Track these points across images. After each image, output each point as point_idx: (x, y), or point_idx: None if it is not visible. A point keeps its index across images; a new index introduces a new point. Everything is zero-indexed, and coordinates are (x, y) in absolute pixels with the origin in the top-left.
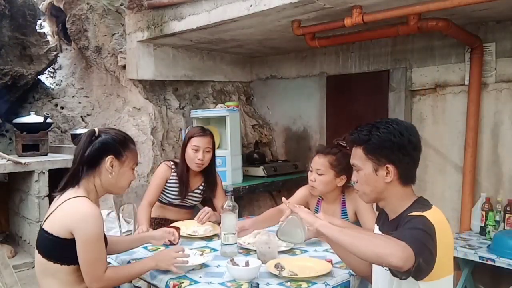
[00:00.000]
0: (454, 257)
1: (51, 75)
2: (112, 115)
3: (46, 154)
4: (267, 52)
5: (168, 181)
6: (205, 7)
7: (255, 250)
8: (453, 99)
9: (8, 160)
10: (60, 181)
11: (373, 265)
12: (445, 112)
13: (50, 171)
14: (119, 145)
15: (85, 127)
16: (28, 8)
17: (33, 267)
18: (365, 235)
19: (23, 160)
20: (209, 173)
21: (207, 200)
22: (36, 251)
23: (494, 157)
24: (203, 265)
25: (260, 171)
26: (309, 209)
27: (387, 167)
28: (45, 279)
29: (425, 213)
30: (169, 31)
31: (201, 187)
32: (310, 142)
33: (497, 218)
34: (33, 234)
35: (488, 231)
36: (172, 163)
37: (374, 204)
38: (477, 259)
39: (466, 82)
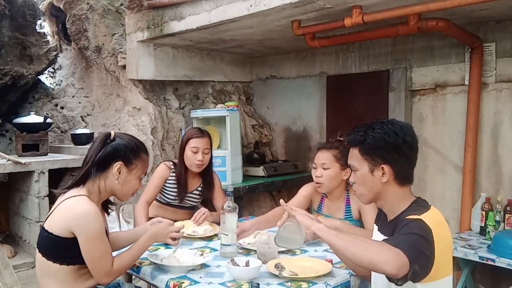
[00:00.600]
0: (454, 257)
1: (51, 75)
2: (112, 115)
3: (46, 154)
4: (267, 52)
5: (167, 181)
6: (205, 7)
7: (255, 250)
8: (453, 99)
9: (8, 160)
10: (60, 181)
11: None
12: (445, 112)
13: (50, 171)
14: (130, 152)
15: (85, 127)
16: (28, 8)
17: (33, 267)
18: (360, 241)
19: (23, 160)
20: (206, 173)
21: (207, 200)
22: (37, 250)
23: (494, 157)
24: (203, 265)
25: (260, 171)
26: (311, 208)
27: (382, 167)
28: (45, 278)
29: (422, 216)
30: (169, 31)
31: (199, 188)
32: (310, 142)
33: (497, 218)
34: (33, 234)
35: (488, 231)
36: (171, 163)
37: None
38: (477, 259)
39: (466, 82)
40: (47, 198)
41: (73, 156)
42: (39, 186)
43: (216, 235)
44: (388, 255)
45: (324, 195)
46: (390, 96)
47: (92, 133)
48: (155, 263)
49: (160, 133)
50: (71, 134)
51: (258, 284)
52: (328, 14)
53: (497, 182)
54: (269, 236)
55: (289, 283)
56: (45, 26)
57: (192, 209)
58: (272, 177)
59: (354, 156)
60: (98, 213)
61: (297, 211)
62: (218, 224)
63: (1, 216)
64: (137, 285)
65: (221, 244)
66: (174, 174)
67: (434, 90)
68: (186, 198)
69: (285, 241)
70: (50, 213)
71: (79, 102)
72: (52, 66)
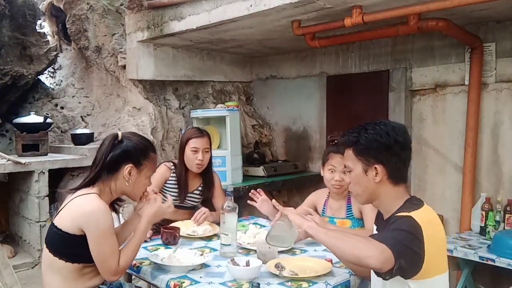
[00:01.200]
0: (454, 257)
1: (51, 75)
2: (112, 115)
3: (46, 154)
4: (267, 52)
5: (167, 182)
6: (205, 7)
7: (255, 250)
8: (453, 99)
9: (8, 160)
10: (60, 181)
11: None
12: (445, 112)
13: (50, 171)
14: (139, 154)
15: (85, 127)
16: (28, 8)
17: (33, 267)
18: (347, 237)
19: (23, 160)
20: (206, 173)
21: (207, 200)
22: (45, 246)
23: (494, 157)
24: (204, 265)
25: (260, 171)
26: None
27: (375, 167)
28: (49, 274)
29: (412, 213)
30: (169, 31)
31: (200, 188)
32: (310, 142)
33: (497, 218)
34: (33, 234)
35: (488, 231)
36: (171, 164)
37: None
38: (477, 259)
39: (466, 82)
40: (47, 198)
41: (73, 156)
42: (39, 186)
43: (216, 235)
44: (373, 250)
45: (326, 196)
46: (390, 96)
47: (92, 133)
48: (155, 263)
49: (160, 133)
50: (71, 134)
51: (259, 284)
52: (328, 14)
53: (497, 182)
54: None
55: (289, 282)
56: (45, 26)
57: (193, 209)
58: (272, 177)
59: (349, 156)
60: (107, 211)
61: (289, 211)
62: (218, 224)
63: (1, 216)
64: (137, 285)
65: (221, 244)
66: (174, 175)
67: (434, 90)
68: (186, 198)
69: (275, 239)
70: (60, 210)
71: (79, 102)
72: (52, 66)
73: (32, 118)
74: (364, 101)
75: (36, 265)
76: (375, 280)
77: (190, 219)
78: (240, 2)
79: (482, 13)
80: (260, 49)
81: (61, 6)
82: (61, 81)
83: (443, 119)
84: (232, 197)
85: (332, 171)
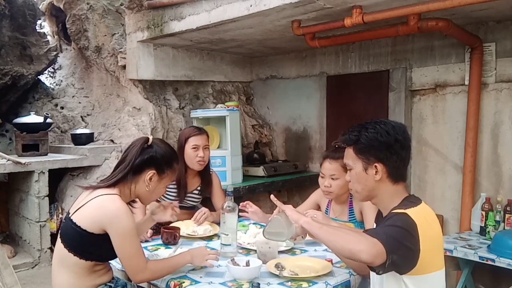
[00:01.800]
0: (454, 257)
1: (51, 75)
2: (112, 115)
3: (46, 154)
4: (267, 52)
5: None
6: (205, 7)
7: (255, 250)
8: (453, 99)
9: (8, 160)
10: (60, 181)
11: None
12: (445, 112)
13: (50, 171)
14: (165, 162)
15: (85, 127)
16: (28, 8)
17: (33, 267)
18: (341, 232)
19: (23, 160)
20: (205, 171)
21: (207, 200)
22: (59, 240)
23: (494, 157)
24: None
25: (260, 171)
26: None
27: (375, 166)
28: (60, 267)
29: (407, 210)
30: (169, 31)
31: (199, 188)
32: (310, 142)
33: (497, 218)
34: (33, 234)
35: (488, 231)
36: None
37: None
38: (477, 259)
39: (466, 82)
40: (47, 198)
41: (73, 156)
42: (39, 186)
43: (216, 235)
44: (365, 244)
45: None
46: (390, 96)
47: (92, 133)
48: None
49: (160, 133)
50: (71, 134)
51: (259, 283)
52: (328, 14)
53: (497, 182)
54: None
55: (289, 282)
56: (45, 26)
57: (192, 209)
58: (272, 177)
59: (349, 155)
60: (130, 212)
61: (286, 207)
62: (218, 224)
63: (1, 216)
64: (138, 285)
65: (221, 244)
66: None
67: (434, 90)
68: (186, 198)
69: (271, 233)
70: (80, 207)
71: (79, 102)
72: (52, 66)
73: (32, 118)
74: (364, 101)
75: (36, 265)
76: (374, 279)
77: (190, 219)
78: (240, 2)
79: (482, 13)
80: (260, 49)
81: (61, 6)
82: (61, 81)
83: (443, 119)
84: (232, 197)
85: (322, 177)
